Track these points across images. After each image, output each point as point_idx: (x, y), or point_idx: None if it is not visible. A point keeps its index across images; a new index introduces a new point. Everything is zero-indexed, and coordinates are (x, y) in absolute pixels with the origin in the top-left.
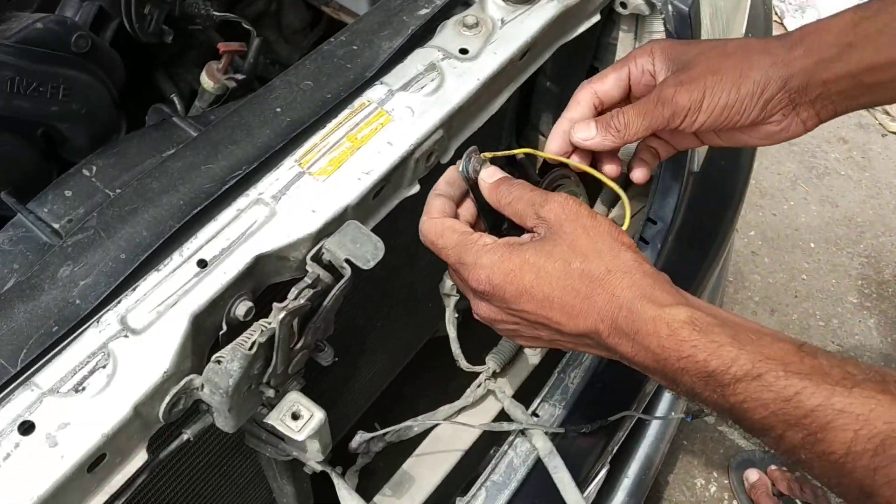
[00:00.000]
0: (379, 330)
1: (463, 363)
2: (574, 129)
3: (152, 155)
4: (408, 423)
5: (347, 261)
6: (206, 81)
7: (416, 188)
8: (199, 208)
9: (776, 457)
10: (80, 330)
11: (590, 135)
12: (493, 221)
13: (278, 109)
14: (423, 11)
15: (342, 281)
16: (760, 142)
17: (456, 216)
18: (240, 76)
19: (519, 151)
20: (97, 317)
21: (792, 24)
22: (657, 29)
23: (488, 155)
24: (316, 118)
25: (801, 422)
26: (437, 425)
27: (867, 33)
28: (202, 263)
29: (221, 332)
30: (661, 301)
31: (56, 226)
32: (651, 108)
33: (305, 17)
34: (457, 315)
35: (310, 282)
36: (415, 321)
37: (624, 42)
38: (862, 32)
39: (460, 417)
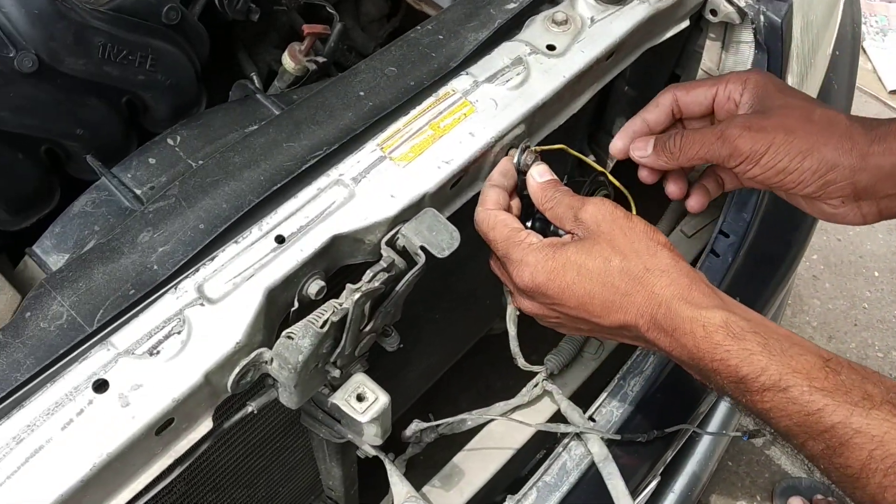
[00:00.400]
0: (437, 321)
1: (521, 361)
2: (633, 143)
3: (235, 129)
4: (463, 416)
5: (422, 248)
6: (288, 62)
7: None
8: (278, 185)
9: (822, 486)
10: (157, 295)
11: (645, 153)
12: (527, 210)
13: (361, 93)
14: (511, 6)
15: (416, 268)
16: (814, 213)
17: (509, 207)
18: (320, 59)
19: (561, 147)
20: (175, 283)
21: (871, 46)
22: (745, 39)
23: (538, 149)
24: (398, 104)
25: (822, 435)
26: (489, 421)
27: None
28: (280, 239)
29: (293, 309)
30: (698, 302)
31: (138, 192)
32: (711, 140)
33: (383, 6)
34: (518, 312)
35: (385, 266)
36: (472, 316)
37: (710, 51)
38: None
39: (516, 414)
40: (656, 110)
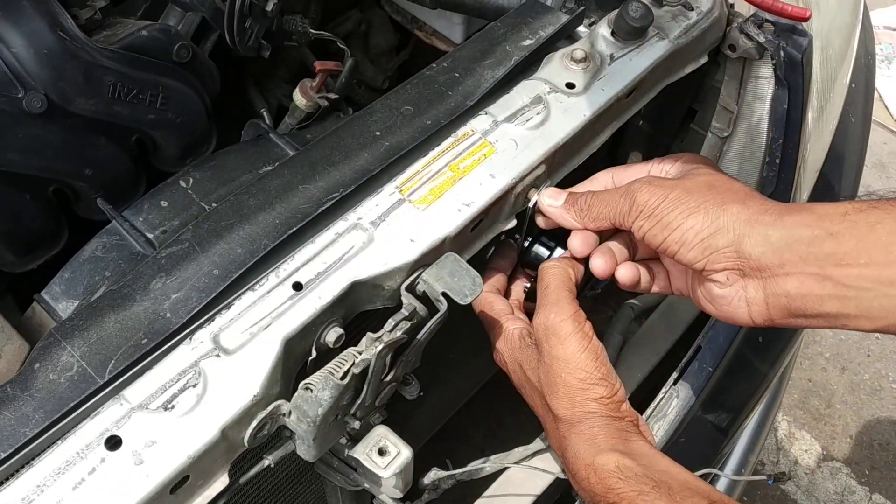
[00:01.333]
0: (452, 361)
1: None
2: (546, 191)
3: (248, 170)
4: (480, 463)
5: (444, 294)
6: (299, 98)
7: (512, 222)
8: (293, 229)
9: None
10: (171, 344)
11: (555, 203)
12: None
13: (377, 133)
14: (527, 42)
15: (438, 315)
16: (703, 303)
17: (505, 287)
18: (332, 95)
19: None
20: (190, 334)
21: (877, 75)
22: (765, 74)
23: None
24: (415, 144)
25: None
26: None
27: (855, 225)
28: (297, 286)
29: (311, 358)
30: (598, 446)
31: (150, 236)
32: (616, 196)
33: (393, 39)
34: None
35: (406, 314)
36: (486, 353)
37: (728, 86)
38: (849, 223)
39: (534, 461)
40: (591, 185)
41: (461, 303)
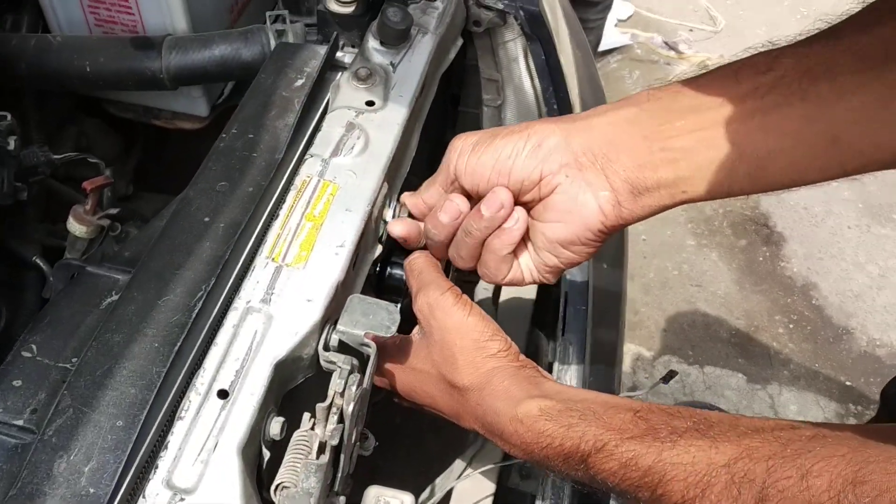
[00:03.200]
0: None
1: None
2: (405, 194)
3: (90, 311)
4: (427, 494)
5: (367, 335)
6: (77, 227)
7: (378, 248)
8: (178, 345)
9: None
10: None
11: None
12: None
13: (206, 219)
14: (300, 82)
15: (371, 358)
16: (564, 230)
17: None
18: (113, 210)
19: None
20: (138, 491)
21: None
22: (510, 37)
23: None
24: (250, 214)
25: (643, 482)
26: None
27: (660, 100)
28: (223, 394)
29: (266, 460)
30: (516, 397)
31: (20, 422)
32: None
33: (117, 141)
34: None
35: (348, 367)
36: None
37: (484, 59)
38: (654, 99)
39: (476, 463)
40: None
41: (386, 335)
